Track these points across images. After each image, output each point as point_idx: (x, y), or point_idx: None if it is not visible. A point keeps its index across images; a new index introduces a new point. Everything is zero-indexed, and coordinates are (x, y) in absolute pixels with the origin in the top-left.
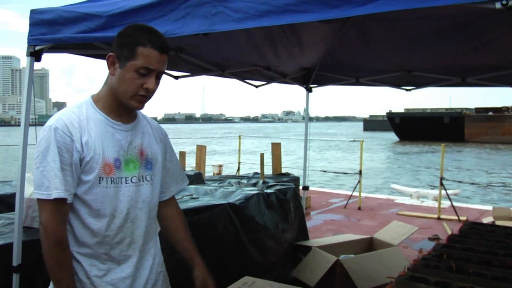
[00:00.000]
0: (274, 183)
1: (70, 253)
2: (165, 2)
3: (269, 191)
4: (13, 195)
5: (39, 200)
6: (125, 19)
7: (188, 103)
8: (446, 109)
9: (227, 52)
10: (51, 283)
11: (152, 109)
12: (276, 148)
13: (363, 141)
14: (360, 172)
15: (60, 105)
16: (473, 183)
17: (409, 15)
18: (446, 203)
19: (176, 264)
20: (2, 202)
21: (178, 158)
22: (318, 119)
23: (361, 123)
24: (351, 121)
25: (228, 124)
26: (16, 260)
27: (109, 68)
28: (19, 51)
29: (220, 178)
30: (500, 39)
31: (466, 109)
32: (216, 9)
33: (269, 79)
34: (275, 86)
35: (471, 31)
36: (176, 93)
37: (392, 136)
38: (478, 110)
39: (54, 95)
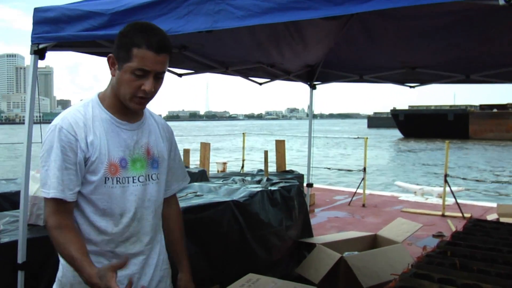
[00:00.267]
0: (278, 180)
1: (75, 232)
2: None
3: (273, 188)
4: (17, 193)
5: (44, 197)
6: (128, 17)
7: (192, 100)
8: (451, 106)
9: (231, 50)
10: (56, 281)
11: (156, 106)
12: (280, 146)
13: (367, 138)
14: (365, 169)
15: (64, 103)
16: (477, 180)
17: (413, 11)
18: (450, 200)
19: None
20: (7, 200)
21: (182, 156)
22: (322, 116)
23: (365, 120)
24: (355, 118)
25: (232, 121)
26: (21, 257)
27: (110, 69)
28: (24, 49)
29: (224, 176)
30: (504, 35)
31: (471, 106)
32: (219, 6)
33: (273, 76)
34: (279, 83)
35: (475, 28)
36: (180, 91)
37: (396, 133)
38: (482, 107)
39: (59, 93)
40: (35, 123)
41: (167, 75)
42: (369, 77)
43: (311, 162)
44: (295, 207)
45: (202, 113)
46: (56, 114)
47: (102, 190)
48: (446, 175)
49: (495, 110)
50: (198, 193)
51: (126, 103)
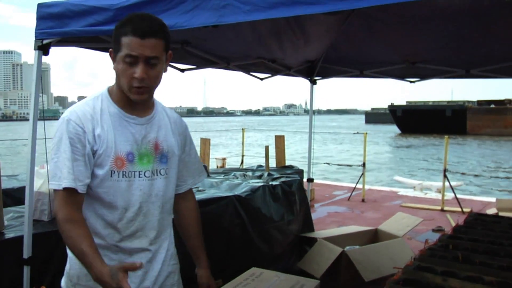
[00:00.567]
0: (279, 175)
1: (86, 227)
2: None
3: (274, 183)
4: (19, 189)
5: (54, 190)
6: (133, 12)
7: (189, 96)
8: (448, 101)
9: (232, 45)
10: (64, 274)
11: None
12: (279, 141)
13: (366, 133)
14: (364, 165)
15: (61, 100)
16: (476, 175)
17: (415, 5)
18: (449, 195)
19: (186, 255)
20: (9, 196)
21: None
22: (320, 112)
23: (363, 116)
24: (352, 114)
25: (229, 117)
26: (26, 252)
27: (113, 63)
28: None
29: (225, 171)
30: (505, 29)
31: (468, 101)
32: (225, 1)
33: (274, 72)
34: (276, 79)
35: (477, 22)
36: (177, 87)
37: (394, 129)
38: (480, 102)
39: (56, 90)
40: (38, 119)
41: (170, 70)
42: (370, 72)
43: (311, 157)
44: (296, 201)
45: (199, 109)
46: (53, 111)
47: (108, 183)
48: (445, 170)
49: (492, 105)
50: (200, 188)
51: (128, 95)
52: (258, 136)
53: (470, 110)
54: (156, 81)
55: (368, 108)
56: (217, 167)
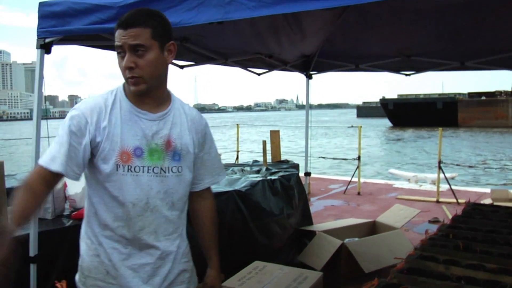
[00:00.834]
0: (277, 170)
1: (34, 197)
2: None
3: (273, 177)
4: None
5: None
6: None
7: (180, 93)
8: (439, 94)
9: (231, 41)
10: (78, 268)
11: None
12: (274, 136)
13: (361, 126)
14: (359, 158)
15: (52, 99)
16: (470, 166)
17: None
18: (444, 187)
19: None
20: (8, 196)
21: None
22: (311, 106)
23: (354, 110)
24: (344, 108)
25: (221, 113)
26: (33, 250)
27: None
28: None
29: None
30: (500, 21)
31: (459, 94)
32: None
33: (270, 67)
34: (267, 74)
35: (472, 13)
36: (168, 84)
37: (385, 122)
38: (471, 95)
39: (46, 89)
40: (22, 119)
41: (170, 67)
42: (365, 66)
43: (308, 151)
44: (295, 195)
45: (191, 106)
46: (44, 110)
47: (114, 177)
48: (440, 162)
49: (483, 97)
50: None
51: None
52: (250, 132)
53: (461, 103)
54: (148, 70)
55: (359, 102)
56: None
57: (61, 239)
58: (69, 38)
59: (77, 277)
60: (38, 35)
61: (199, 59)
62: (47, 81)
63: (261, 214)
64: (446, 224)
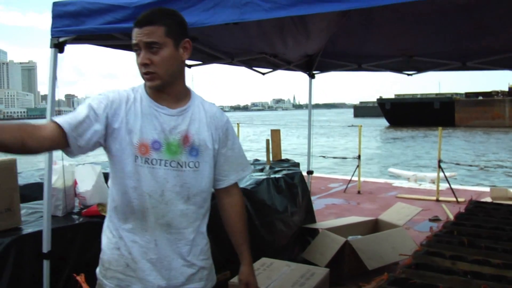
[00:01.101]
0: (280, 168)
1: (21, 129)
2: None
3: (277, 175)
4: (25, 186)
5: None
6: None
7: None
8: (436, 94)
9: (237, 41)
10: (99, 265)
11: None
12: (275, 135)
13: (361, 126)
14: (359, 157)
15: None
16: (470, 165)
17: None
18: (443, 186)
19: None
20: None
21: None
22: (308, 106)
23: (351, 110)
24: (341, 108)
25: None
26: (46, 247)
27: None
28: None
29: None
30: (502, 21)
31: (456, 94)
32: None
33: (274, 66)
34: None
35: (473, 14)
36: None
37: (383, 122)
38: (468, 94)
39: (43, 88)
40: (18, 118)
41: None
42: (368, 66)
43: (310, 150)
44: (298, 193)
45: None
46: (41, 110)
47: (132, 168)
48: (439, 161)
49: (480, 97)
50: None
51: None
52: (248, 131)
53: (458, 103)
54: (162, 66)
55: (356, 102)
56: None
57: (73, 236)
58: (82, 38)
59: (98, 269)
60: (52, 35)
61: (206, 59)
62: (44, 80)
63: (266, 212)
64: (450, 221)
